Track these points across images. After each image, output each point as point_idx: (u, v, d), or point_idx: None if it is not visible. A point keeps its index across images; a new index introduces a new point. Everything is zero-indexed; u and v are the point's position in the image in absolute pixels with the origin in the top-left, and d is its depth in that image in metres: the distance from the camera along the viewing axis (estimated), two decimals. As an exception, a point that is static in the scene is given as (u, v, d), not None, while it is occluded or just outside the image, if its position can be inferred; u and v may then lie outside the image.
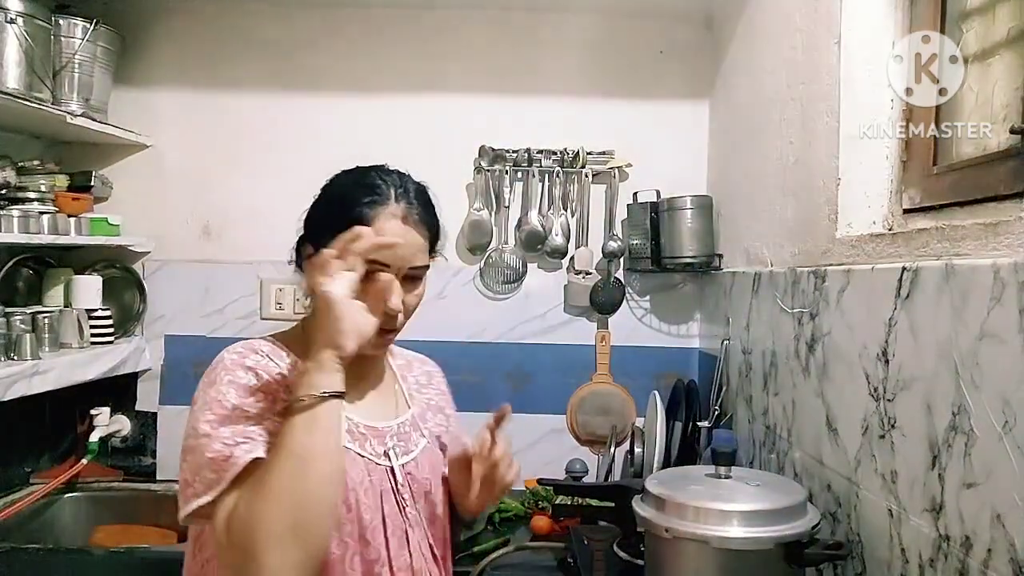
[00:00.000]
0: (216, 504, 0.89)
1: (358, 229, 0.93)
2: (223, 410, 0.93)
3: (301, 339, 1.05)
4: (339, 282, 0.91)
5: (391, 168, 1.08)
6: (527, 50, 2.33)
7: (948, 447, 0.95)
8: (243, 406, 0.94)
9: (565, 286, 2.33)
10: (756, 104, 1.85)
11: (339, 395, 0.91)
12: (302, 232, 1.07)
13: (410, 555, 1.06)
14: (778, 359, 1.59)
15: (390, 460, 1.07)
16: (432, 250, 1.09)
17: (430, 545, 1.10)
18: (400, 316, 1.03)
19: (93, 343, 2.14)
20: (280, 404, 0.96)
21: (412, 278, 1.04)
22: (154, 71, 2.33)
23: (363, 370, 1.10)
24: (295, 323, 1.12)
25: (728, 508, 1.12)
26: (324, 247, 0.96)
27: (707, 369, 2.15)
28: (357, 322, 0.93)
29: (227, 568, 0.89)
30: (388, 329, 1.03)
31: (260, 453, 0.90)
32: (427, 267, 1.07)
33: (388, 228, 1.00)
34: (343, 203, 1.02)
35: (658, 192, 2.22)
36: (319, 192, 1.08)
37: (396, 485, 1.07)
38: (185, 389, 2.32)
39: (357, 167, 1.09)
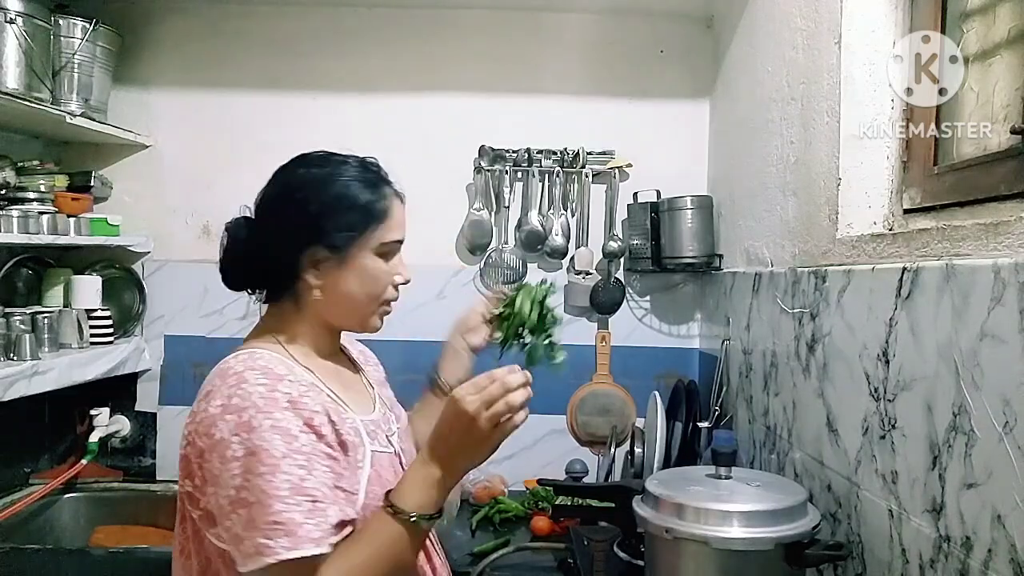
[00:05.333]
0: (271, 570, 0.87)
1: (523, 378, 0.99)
2: (273, 460, 0.89)
3: (280, 345, 1.05)
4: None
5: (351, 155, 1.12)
6: (527, 50, 2.33)
7: (949, 447, 0.95)
8: (292, 453, 0.90)
9: (565, 286, 2.33)
10: (756, 104, 1.85)
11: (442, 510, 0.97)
12: (293, 234, 1.03)
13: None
14: (778, 359, 1.59)
15: (393, 445, 1.11)
16: None
17: None
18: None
19: (93, 343, 2.13)
20: (324, 438, 0.95)
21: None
22: (154, 71, 2.33)
23: (335, 362, 1.14)
24: (258, 331, 1.09)
25: (728, 508, 1.12)
26: (343, 244, 1.03)
27: (707, 369, 2.14)
28: (493, 445, 0.96)
29: None
30: (390, 300, 1.11)
31: (327, 547, 0.89)
32: None
33: (397, 210, 1.08)
34: (358, 199, 1.04)
35: (658, 192, 2.22)
36: (299, 188, 1.05)
37: (404, 467, 1.09)
38: (185, 389, 2.34)
39: (329, 157, 1.08)
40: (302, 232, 1.03)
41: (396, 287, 1.10)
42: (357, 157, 1.10)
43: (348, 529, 0.93)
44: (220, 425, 0.91)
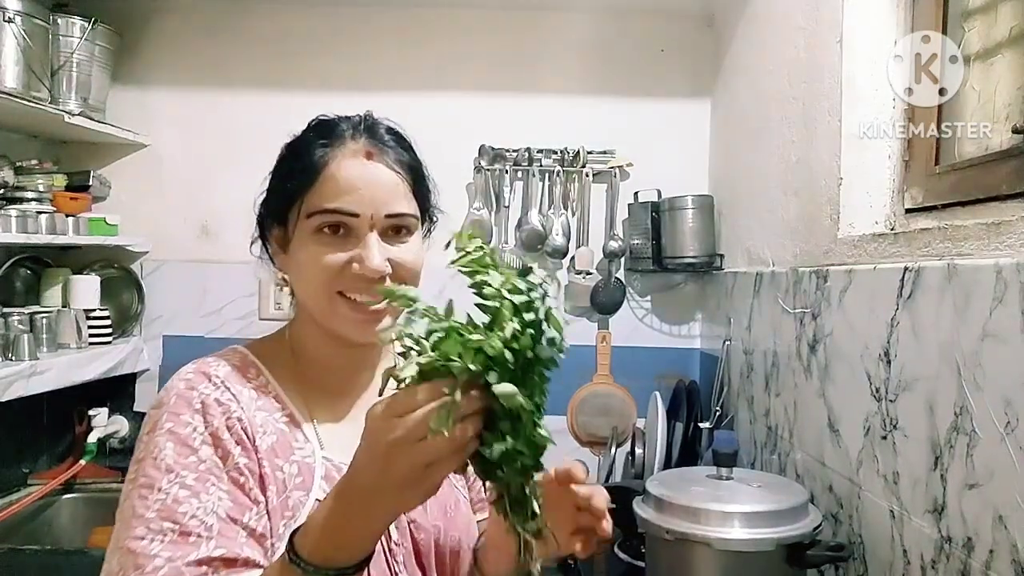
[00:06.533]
0: None
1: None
2: (156, 473, 0.73)
3: (282, 348, 0.88)
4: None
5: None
6: (527, 49, 2.33)
7: (950, 448, 0.95)
8: (180, 468, 0.73)
9: (566, 286, 2.33)
10: (758, 103, 1.85)
11: (365, 563, 0.68)
12: (262, 211, 0.89)
13: None
14: (779, 359, 1.58)
15: None
16: (420, 197, 0.87)
17: None
18: (387, 281, 0.80)
19: (91, 343, 2.13)
20: (232, 458, 0.75)
21: (396, 229, 0.83)
22: (152, 70, 2.32)
23: (345, 382, 0.89)
24: (283, 326, 0.92)
25: (729, 509, 1.12)
26: (284, 215, 0.83)
27: (708, 370, 2.14)
28: (433, 483, 0.64)
29: None
30: (349, 294, 0.81)
31: None
32: (414, 217, 0.85)
33: (347, 168, 0.81)
34: (295, 154, 0.85)
35: (659, 192, 2.21)
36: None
37: (389, 543, 0.82)
38: (184, 389, 2.33)
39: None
40: (262, 202, 0.89)
41: (356, 276, 0.80)
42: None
43: (248, 573, 0.72)
44: (144, 421, 0.79)
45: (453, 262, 0.63)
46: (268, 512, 0.76)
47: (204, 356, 0.83)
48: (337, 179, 0.80)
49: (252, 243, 0.91)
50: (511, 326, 0.60)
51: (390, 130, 0.87)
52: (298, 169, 0.83)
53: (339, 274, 0.80)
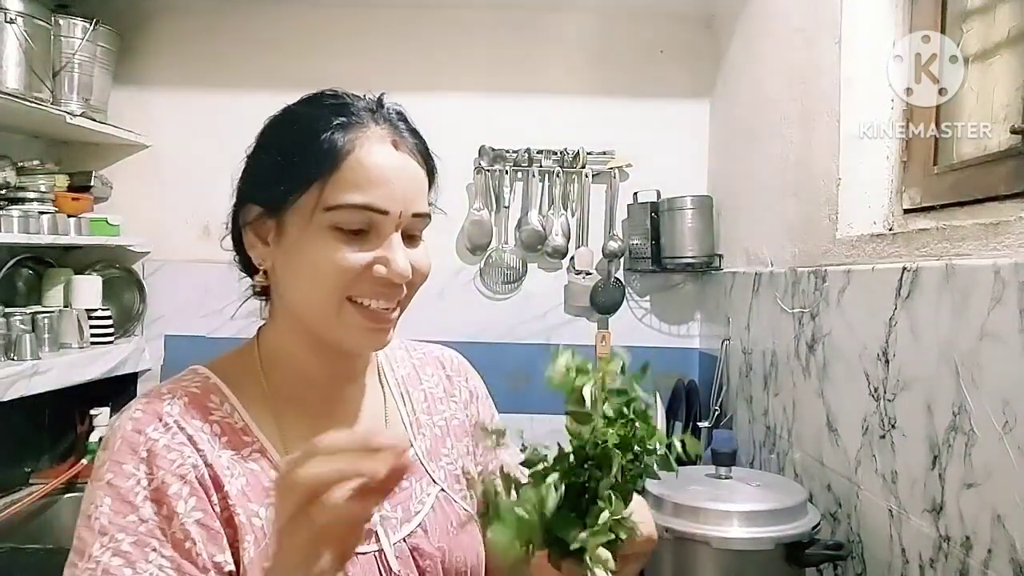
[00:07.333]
0: None
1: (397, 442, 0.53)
2: (89, 535, 0.64)
3: (251, 365, 0.77)
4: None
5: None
6: (527, 50, 2.33)
7: (948, 447, 0.95)
8: (115, 530, 0.63)
9: (565, 286, 2.33)
10: (756, 104, 1.85)
11: None
12: (239, 195, 0.78)
13: None
14: (778, 359, 1.59)
15: (379, 540, 0.73)
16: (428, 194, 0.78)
17: None
18: (404, 289, 0.72)
19: (93, 343, 2.13)
20: (177, 518, 0.64)
21: (411, 236, 0.73)
22: (154, 71, 2.33)
23: (328, 400, 0.78)
24: (251, 338, 0.82)
25: (728, 508, 1.12)
26: (281, 204, 0.70)
27: (707, 369, 2.14)
28: (347, 544, 0.55)
29: None
30: (385, 309, 0.71)
31: None
32: (429, 218, 0.76)
33: (377, 155, 0.70)
34: (302, 132, 0.71)
35: (658, 192, 2.22)
36: (257, 137, 0.77)
37: (391, 574, 0.72)
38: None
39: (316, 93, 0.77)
40: (239, 185, 0.78)
41: (376, 280, 0.69)
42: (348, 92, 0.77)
43: None
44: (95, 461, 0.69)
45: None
46: (243, 567, 0.66)
47: (159, 385, 0.74)
48: (367, 168, 0.69)
49: (224, 236, 0.81)
50: (618, 466, 0.59)
51: (401, 116, 0.78)
52: (311, 151, 0.69)
53: (357, 277, 0.69)
